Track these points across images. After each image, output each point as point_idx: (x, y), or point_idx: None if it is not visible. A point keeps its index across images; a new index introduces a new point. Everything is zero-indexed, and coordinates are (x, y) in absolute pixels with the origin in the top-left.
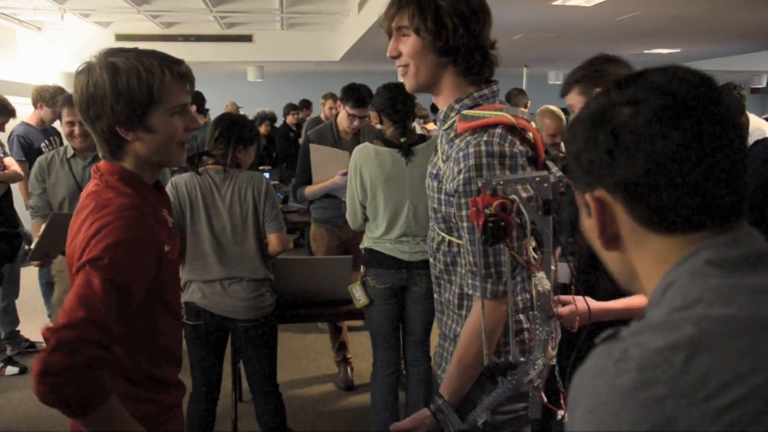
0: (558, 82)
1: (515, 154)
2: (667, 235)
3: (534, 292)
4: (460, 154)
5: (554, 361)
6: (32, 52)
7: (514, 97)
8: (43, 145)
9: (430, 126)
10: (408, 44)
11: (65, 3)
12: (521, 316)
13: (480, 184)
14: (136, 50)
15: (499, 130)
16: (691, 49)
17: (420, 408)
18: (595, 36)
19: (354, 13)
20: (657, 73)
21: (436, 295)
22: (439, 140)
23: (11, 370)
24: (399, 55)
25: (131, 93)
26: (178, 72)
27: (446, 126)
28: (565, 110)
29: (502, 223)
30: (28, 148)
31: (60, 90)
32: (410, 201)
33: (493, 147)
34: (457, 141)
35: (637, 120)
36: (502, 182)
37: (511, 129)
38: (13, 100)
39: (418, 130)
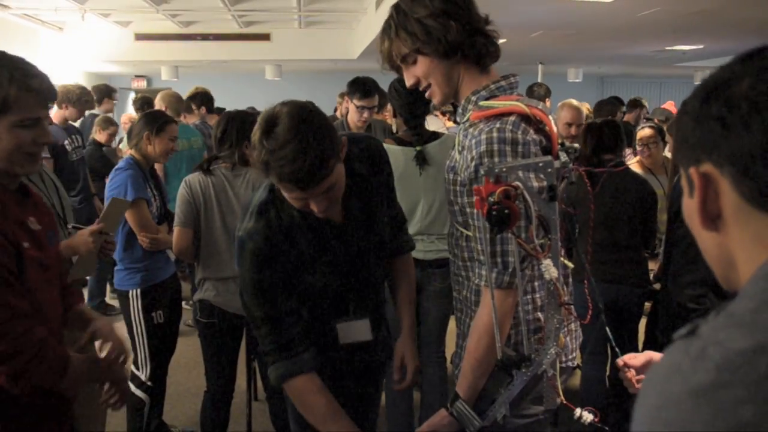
0: (578, 80)
1: (528, 141)
2: None
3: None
4: (473, 141)
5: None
6: (54, 52)
7: (535, 90)
8: (66, 142)
9: (449, 124)
10: (418, 67)
11: (86, 3)
12: (540, 314)
13: (482, 172)
14: (2, 57)
15: (512, 118)
16: (714, 45)
17: (436, 409)
18: (616, 33)
19: (372, 11)
20: None
21: (455, 293)
22: (457, 134)
23: None
24: (419, 81)
25: None
26: (30, 86)
27: (464, 119)
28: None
29: (506, 211)
30: (52, 147)
31: (85, 90)
32: (424, 199)
33: (505, 134)
34: (471, 129)
35: (757, 89)
36: (504, 169)
37: (526, 119)
38: None
39: (437, 126)
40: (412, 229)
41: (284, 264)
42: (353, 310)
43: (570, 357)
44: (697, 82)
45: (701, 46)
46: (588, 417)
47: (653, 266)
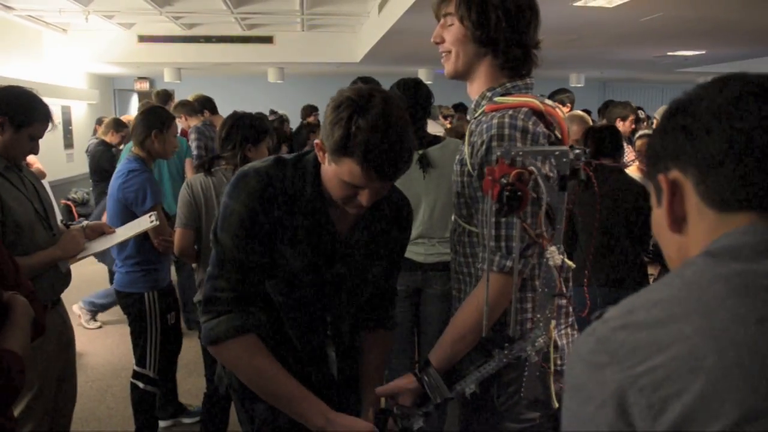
0: (580, 85)
1: (538, 133)
2: (720, 212)
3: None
4: (484, 126)
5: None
6: (58, 54)
7: (559, 96)
8: None
9: (447, 123)
10: (452, 31)
11: (89, 5)
12: (532, 304)
13: (498, 153)
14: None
15: (525, 109)
16: (716, 51)
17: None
18: (618, 38)
19: (374, 15)
20: (745, 74)
21: (455, 292)
22: (468, 128)
23: None
24: (442, 41)
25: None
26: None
27: (477, 114)
28: (587, 111)
29: (519, 193)
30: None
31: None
32: (426, 202)
33: (516, 121)
34: (483, 118)
35: (717, 102)
36: (521, 153)
37: (538, 114)
38: None
39: (436, 129)
40: (414, 232)
41: (273, 224)
42: (330, 334)
43: (566, 359)
44: None
45: (703, 52)
46: None
47: (653, 270)
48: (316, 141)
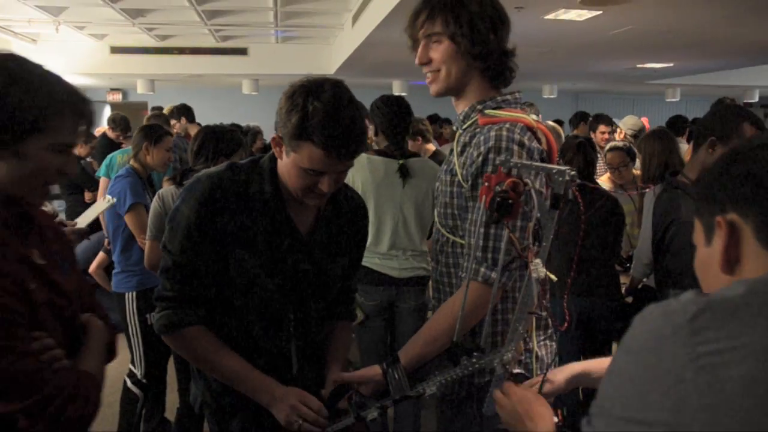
0: (552, 96)
1: (533, 148)
2: None
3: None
4: (481, 138)
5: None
6: None
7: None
8: None
9: (430, 146)
10: (440, 50)
11: (60, 15)
12: (509, 316)
13: (497, 162)
14: (43, 69)
15: (520, 124)
16: (684, 63)
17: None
18: (589, 50)
19: (348, 27)
20: None
21: (434, 302)
22: (455, 141)
23: None
24: (429, 62)
25: (16, 111)
26: (80, 111)
27: (466, 126)
28: (560, 122)
29: (510, 201)
30: None
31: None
32: (401, 212)
33: (514, 134)
34: (477, 131)
35: None
36: (519, 165)
37: (531, 131)
38: None
39: (414, 148)
40: (386, 243)
41: (225, 228)
42: (291, 332)
43: (545, 371)
44: (668, 99)
45: (671, 64)
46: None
47: (624, 280)
48: (273, 136)
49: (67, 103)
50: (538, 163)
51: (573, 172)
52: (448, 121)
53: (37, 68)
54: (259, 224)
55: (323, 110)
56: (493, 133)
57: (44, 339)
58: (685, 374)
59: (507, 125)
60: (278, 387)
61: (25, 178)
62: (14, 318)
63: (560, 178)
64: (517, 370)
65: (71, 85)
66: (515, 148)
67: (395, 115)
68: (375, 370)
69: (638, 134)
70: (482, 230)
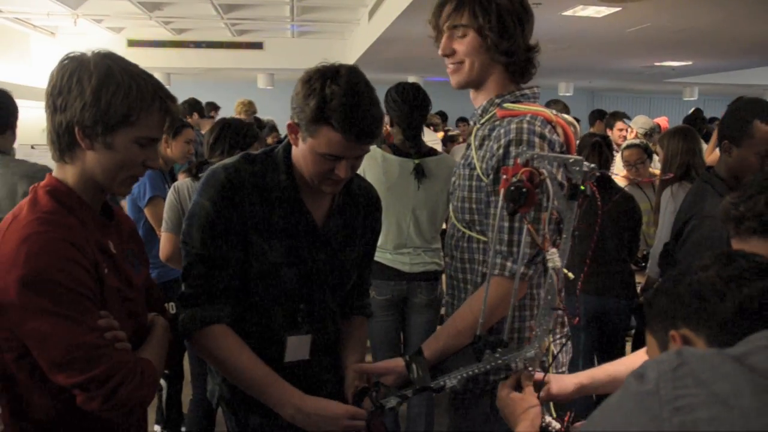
0: (568, 94)
1: (554, 140)
2: None
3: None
4: (501, 131)
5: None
6: (46, 57)
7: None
8: None
9: (440, 134)
10: (465, 42)
11: (78, 8)
12: (533, 312)
13: (514, 154)
14: (137, 68)
15: (540, 117)
16: (702, 62)
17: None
18: (606, 47)
19: (364, 22)
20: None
21: (448, 298)
22: (473, 135)
23: None
24: (453, 53)
25: (110, 105)
26: (166, 108)
27: (484, 120)
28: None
29: (524, 190)
30: None
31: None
32: (413, 212)
33: (534, 127)
34: (497, 124)
35: (724, 274)
36: (536, 156)
37: (550, 124)
38: (27, 104)
39: (430, 138)
40: (397, 242)
41: (244, 218)
42: (302, 322)
43: (560, 370)
44: (686, 98)
45: (689, 63)
46: (555, 425)
47: (640, 279)
48: (288, 123)
49: (156, 100)
50: (555, 154)
51: (592, 165)
52: (463, 119)
53: (130, 66)
54: (275, 214)
55: (342, 93)
56: (513, 126)
57: (110, 318)
58: None
59: (527, 117)
60: (302, 398)
61: (114, 168)
62: (87, 294)
63: (577, 168)
64: (535, 370)
65: (160, 83)
66: (536, 140)
67: (411, 107)
68: (398, 362)
69: (649, 133)
70: (506, 224)
